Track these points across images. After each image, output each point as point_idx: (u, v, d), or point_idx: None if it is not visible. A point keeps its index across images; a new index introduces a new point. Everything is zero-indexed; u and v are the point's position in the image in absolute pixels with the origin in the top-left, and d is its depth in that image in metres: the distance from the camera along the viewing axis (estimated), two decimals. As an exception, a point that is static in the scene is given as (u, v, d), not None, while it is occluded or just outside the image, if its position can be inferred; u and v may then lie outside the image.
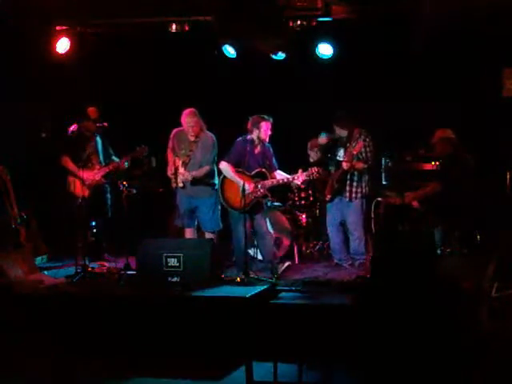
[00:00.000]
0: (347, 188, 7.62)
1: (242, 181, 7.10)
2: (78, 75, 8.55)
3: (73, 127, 7.75)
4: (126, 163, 7.78)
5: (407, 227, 7.15)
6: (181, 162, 7.38)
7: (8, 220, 7.56)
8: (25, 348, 6.05)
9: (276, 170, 7.43)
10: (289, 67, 8.34)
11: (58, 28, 8.16)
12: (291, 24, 7.55)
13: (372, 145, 7.55)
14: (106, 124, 7.81)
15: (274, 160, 7.41)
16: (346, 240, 7.79)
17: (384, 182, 8.12)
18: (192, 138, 7.45)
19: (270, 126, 7.27)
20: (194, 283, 6.47)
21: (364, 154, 7.52)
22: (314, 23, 7.58)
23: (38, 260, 7.91)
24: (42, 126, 9.22)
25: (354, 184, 7.62)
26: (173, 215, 7.80)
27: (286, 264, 7.61)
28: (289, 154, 8.10)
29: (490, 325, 5.46)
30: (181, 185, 7.37)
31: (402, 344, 5.14)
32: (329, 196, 7.72)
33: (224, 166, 7.28)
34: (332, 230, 7.78)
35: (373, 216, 7.53)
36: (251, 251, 7.68)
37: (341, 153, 7.70)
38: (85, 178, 7.81)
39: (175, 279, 6.60)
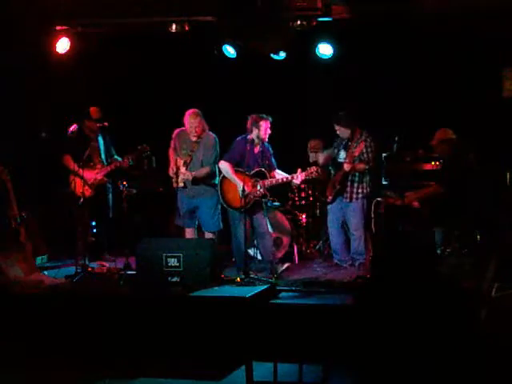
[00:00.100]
0: (348, 189, 7.61)
1: (241, 182, 7.10)
2: (78, 75, 8.56)
3: (73, 127, 7.73)
4: (130, 161, 7.78)
5: (407, 227, 7.15)
6: (182, 162, 7.39)
7: (8, 220, 7.56)
8: (24, 348, 6.05)
9: (275, 169, 7.42)
10: (289, 67, 8.34)
11: (58, 28, 8.15)
12: (291, 24, 7.54)
13: (373, 145, 7.53)
14: (106, 124, 7.81)
15: (272, 159, 7.42)
16: (347, 241, 7.78)
17: (384, 182, 8.12)
18: (194, 138, 7.45)
19: (269, 125, 7.28)
20: (194, 283, 6.48)
21: (365, 155, 7.50)
22: (314, 23, 7.56)
23: (38, 260, 7.90)
24: (41, 126, 9.23)
25: (355, 185, 7.60)
26: (173, 215, 7.80)
27: (286, 265, 7.61)
28: (289, 154, 8.10)
29: (490, 325, 5.46)
30: (182, 185, 7.37)
31: (401, 344, 5.14)
32: (330, 197, 7.71)
33: (224, 165, 7.28)
34: (333, 231, 7.76)
35: (373, 216, 7.52)
36: (251, 251, 7.69)
37: (342, 154, 7.69)
38: (87, 178, 7.81)
39: (175, 279, 6.60)
